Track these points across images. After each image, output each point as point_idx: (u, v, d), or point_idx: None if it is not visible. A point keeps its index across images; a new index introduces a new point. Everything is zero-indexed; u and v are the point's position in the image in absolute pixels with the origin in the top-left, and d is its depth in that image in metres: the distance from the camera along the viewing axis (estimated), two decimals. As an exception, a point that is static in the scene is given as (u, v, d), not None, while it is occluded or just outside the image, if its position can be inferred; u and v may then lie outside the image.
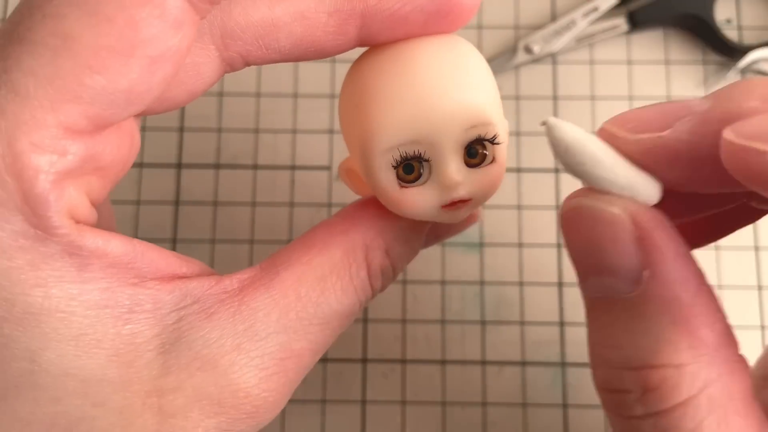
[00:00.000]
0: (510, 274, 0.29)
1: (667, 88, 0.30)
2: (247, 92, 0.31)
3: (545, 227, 0.29)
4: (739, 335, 0.29)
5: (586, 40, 0.30)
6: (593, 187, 0.15)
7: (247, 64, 0.18)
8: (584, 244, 0.15)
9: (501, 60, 0.30)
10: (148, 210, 0.30)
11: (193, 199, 0.30)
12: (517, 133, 0.30)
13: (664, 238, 0.14)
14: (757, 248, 0.29)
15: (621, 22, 0.30)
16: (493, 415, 0.28)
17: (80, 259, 0.15)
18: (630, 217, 0.14)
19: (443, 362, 0.28)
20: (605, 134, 0.15)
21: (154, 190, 0.30)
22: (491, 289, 0.29)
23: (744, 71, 0.30)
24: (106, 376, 0.15)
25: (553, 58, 0.31)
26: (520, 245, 0.29)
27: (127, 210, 0.29)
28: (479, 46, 0.31)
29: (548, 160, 0.30)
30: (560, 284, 0.29)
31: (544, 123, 0.14)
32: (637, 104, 0.30)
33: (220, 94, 0.31)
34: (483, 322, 0.28)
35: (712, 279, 0.28)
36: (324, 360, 0.28)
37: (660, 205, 0.15)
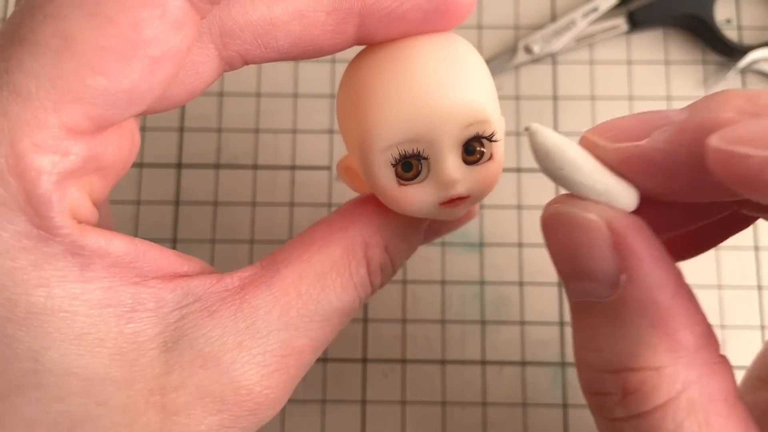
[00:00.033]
0: (510, 274, 0.29)
1: (667, 88, 0.30)
2: (247, 92, 0.31)
3: (545, 227, 0.29)
4: (739, 335, 0.29)
5: (586, 40, 0.30)
6: (572, 194, 0.15)
7: (246, 62, 0.18)
8: (563, 249, 0.15)
9: (501, 60, 0.30)
10: (148, 210, 0.30)
11: (193, 199, 0.30)
12: (516, 133, 0.30)
13: (639, 242, 0.14)
14: (757, 248, 0.29)
15: (621, 22, 0.30)
16: (493, 415, 0.28)
17: (83, 259, 0.15)
18: (606, 222, 0.14)
19: (443, 362, 0.28)
20: (586, 143, 0.15)
21: (154, 190, 0.30)
22: (491, 289, 0.29)
23: (744, 71, 0.30)
24: (110, 374, 0.15)
25: (553, 58, 0.31)
26: (520, 245, 0.29)
27: (127, 210, 0.29)
28: (479, 46, 0.31)
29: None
30: (560, 284, 0.29)
31: (527, 129, 0.15)
32: (637, 104, 0.30)
33: (220, 94, 0.31)
34: (483, 322, 0.28)
35: (712, 279, 0.28)
36: (324, 360, 0.28)
37: (650, 218, 0.15)
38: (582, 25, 0.30)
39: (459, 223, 0.21)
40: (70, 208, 0.15)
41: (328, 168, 0.30)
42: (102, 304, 0.15)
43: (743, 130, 0.13)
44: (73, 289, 0.15)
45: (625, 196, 0.15)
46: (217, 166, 0.30)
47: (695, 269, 0.28)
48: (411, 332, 0.28)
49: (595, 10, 0.30)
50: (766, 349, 0.20)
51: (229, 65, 0.18)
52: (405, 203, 0.17)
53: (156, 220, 0.29)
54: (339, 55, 0.31)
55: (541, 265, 0.29)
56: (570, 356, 0.28)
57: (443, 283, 0.29)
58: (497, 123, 0.17)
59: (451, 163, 0.17)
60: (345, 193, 0.30)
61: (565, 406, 0.28)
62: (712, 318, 0.28)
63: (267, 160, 0.30)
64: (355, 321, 0.28)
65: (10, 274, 0.14)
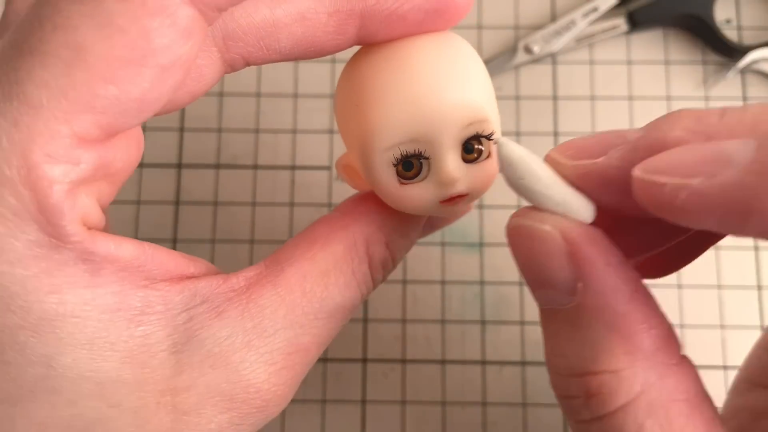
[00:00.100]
0: (510, 274, 0.29)
1: (666, 88, 0.30)
2: (248, 92, 0.31)
3: (545, 227, 0.29)
4: (739, 335, 0.29)
5: (585, 41, 0.30)
6: (533, 205, 0.16)
7: (248, 64, 0.18)
8: (525, 260, 0.16)
9: (501, 60, 0.30)
10: (149, 210, 0.30)
11: (193, 199, 0.30)
12: (516, 133, 0.30)
13: (593, 250, 0.15)
14: (756, 248, 0.29)
15: (621, 23, 0.30)
16: (493, 415, 0.28)
17: (93, 265, 0.15)
18: (561, 233, 0.15)
19: (443, 362, 0.28)
20: (550, 160, 0.16)
21: (155, 190, 0.30)
22: (491, 289, 0.29)
23: (744, 71, 0.30)
24: (121, 377, 0.15)
25: (552, 58, 0.31)
26: (520, 245, 0.29)
27: (127, 210, 0.29)
28: (479, 46, 0.31)
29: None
30: (560, 284, 0.29)
31: (495, 141, 0.16)
32: (637, 104, 0.30)
33: (220, 95, 0.31)
34: (483, 322, 0.28)
35: (712, 279, 0.28)
36: (324, 360, 0.28)
37: (624, 241, 0.16)
38: (582, 25, 0.30)
39: (455, 217, 0.22)
40: (80, 215, 0.15)
41: (328, 168, 0.30)
42: (112, 308, 0.15)
43: (659, 160, 0.13)
44: (84, 294, 0.15)
45: (582, 208, 0.15)
46: (217, 166, 0.30)
47: (695, 269, 0.28)
48: (411, 332, 0.28)
49: (595, 10, 0.30)
50: (753, 353, 0.20)
51: (231, 67, 0.18)
52: (406, 201, 0.18)
53: (156, 220, 0.29)
54: (339, 55, 0.31)
55: (541, 265, 0.29)
56: (570, 356, 0.28)
57: (443, 283, 0.29)
58: (495, 121, 0.17)
59: (452, 162, 0.17)
60: (345, 193, 0.30)
61: (565, 406, 0.28)
62: (712, 318, 0.28)
63: (267, 160, 0.30)
64: (355, 321, 0.28)
65: (22, 282, 0.14)
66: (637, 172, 0.14)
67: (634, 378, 0.14)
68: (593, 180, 0.15)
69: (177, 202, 0.30)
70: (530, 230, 0.15)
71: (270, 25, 0.17)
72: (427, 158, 0.17)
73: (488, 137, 0.17)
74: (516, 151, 0.15)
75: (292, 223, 0.29)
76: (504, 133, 0.25)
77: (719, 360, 0.28)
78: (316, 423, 0.28)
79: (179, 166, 0.30)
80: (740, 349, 0.27)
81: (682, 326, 0.28)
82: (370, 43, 0.18)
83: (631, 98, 0.30)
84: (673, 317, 0.28)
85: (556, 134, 0.30)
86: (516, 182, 0.15)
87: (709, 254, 0.29)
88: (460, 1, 0.17)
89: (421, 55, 0.17)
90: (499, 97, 0.18)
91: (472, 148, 0.17)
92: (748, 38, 0.31)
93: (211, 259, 0.29)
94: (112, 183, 0.17)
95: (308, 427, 0.28)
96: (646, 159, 0.14)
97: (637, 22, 0.30)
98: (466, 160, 0.17)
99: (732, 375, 0.23)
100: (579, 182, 0.15)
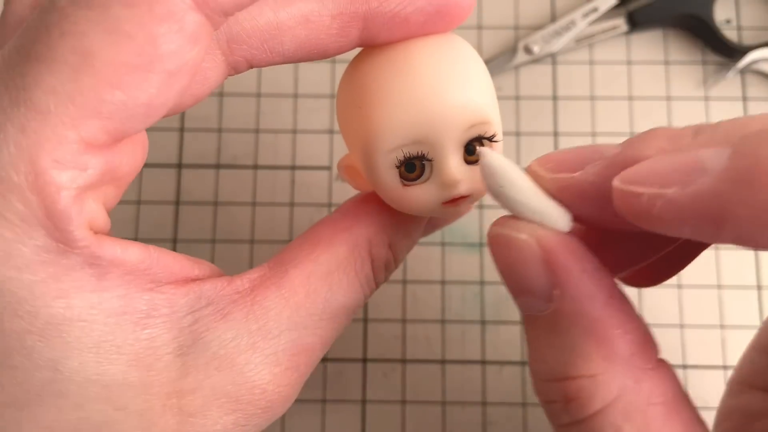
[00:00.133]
0: (510, 274, 0.29)
1: (666, 89, 0.30)
2: (248, 93, 0.31)
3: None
4: (739, 335, 0.29)
5: (585, 41, 0.30)
6: (511, 214, 0.16)
7: (251, 66, 0.18)
8: (504, 267, 0.16)
9: (501, 60, 0.30)
10: (149, 210, 0.30)
11: (193, 199, 0.30)
12: (516, 134, 0.30)
13: (568, 258, 0.15)
14: (756, 248, 0.29)
15: (620, 23, 0.30)
16: (493, 414, 0.28)
17: (99, 269, 0.15)
18: (537, 241, 0.15)
19: (443, 362, 0.28)
20: (530, 171, 0.16)
21: (155, 190, 0.30)
22: (491, 289, 0.29)
23: (743, 71, 0.30)
24: (127, 380, 0.16)
25: (552, 58, 0.31)
26: (520, 245, 0.29)
27: (127, 210, 0.29)
28: (479, 46, 0.31)
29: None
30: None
31: (478, 152, 0.16)
32: (637, 104, 0.30)
33: (221, 95, 0.31)
34: (483, 322, 0.28)
35: (712, 279, 0.28)
36: (324, 360, 0.28)
37: (614, 254, 0.17)
38: (582, 26, 0.30)
39: (455, 217, 0.22)
40: (87, 220, 0.15)
41: (328, 168, 0.30)
42: (118, 311, 0.15)
43: (636, 171, 0.14)
44: (91, 298, 0.15)
45: (558, 217, 0.16)
46: (218, 166, 0.30)
47: (695, 269, 0.29)
48: (411, 332, 0.28)
49: (594, 10, 0.30)
50: (746, 354, 0.20)
51: (235, 69, 0.18)
52: (408, 203, 0.18)
53: (156, 220, 0.29)
54: (339, 56, 0.30)
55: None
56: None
57: (443, 283, 0.29)
58: (497, 123, 0.18)
59: (454, 164, 0.17)
60: (345, 193, 0.30)
61: (565, 405, 0.28)
62: (712, 318, 0.28)
63: (267, 160, 0.30)
64: (355, 321, 0.28)
65: (30, 287, 0.14)
66: (617, 182, 0.14)
67: (611, 382, 0.15)
68: (571, 193, 0.16)
69: (177, 202, 0.30)
70: (508, 239, 0.16)
71: (274, 28, 0.17)
72: (429, 160, 0.17)
73: (490, 139, 0.17)
74: (497, 160, 0.16)
75: (292, 223, 0.29)
76: (504, 134, 0.25)
77: (719, 360, 0.28)
78: (316, 423, 0.28)
79: (179, 166, 0.30)
80: (740, 349, 0.27)
81: (682, 326, 0.28)
82: (372, 44, 0.18)
83: (630, 98, 0.30)
84: (673, 317, 0.28)
85: (556, 134, 0.30)
86: (496, 190, 0.16)
87: (709, 254, 0.29)
88: (462, 3, 0.18)
89: (423, 57, 0.17)
90: (499, 98, 0.18)
91: (474, 149, 0.17)
92: (747, 38, 0.31)
93: (211, 259, 0.29)
94: (118, 186, 0.17)
95: (308, 427, 0.28)
96: (623, 171, 0.14)
97: (636, 22, 0.30)
98: (468, 162, 0.17)
99: (732, 375, 0.23)
100: (558, 195, 0.16)
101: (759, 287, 0.28)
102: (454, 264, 0.29)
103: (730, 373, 0.28)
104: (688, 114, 0.30)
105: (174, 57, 0.15)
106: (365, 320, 0.29)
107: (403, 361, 0.28)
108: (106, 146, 0.15)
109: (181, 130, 0.30)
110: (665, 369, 0.15)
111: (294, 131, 0.30)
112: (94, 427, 0.15)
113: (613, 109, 0.30)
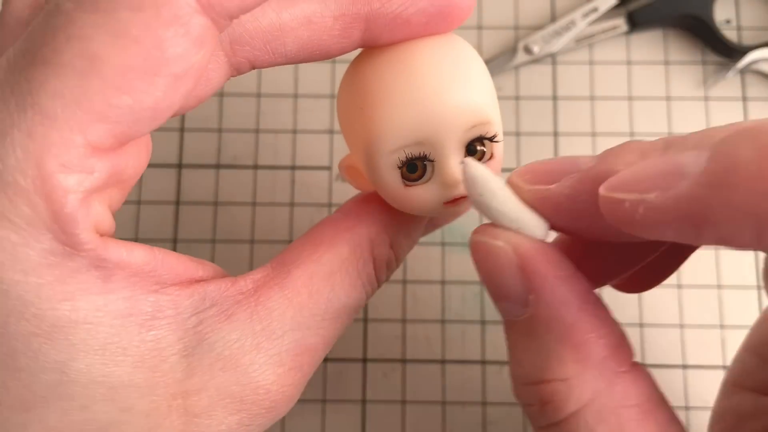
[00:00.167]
0: (510, 274, 0.29)
1: (666, 89, 0.30)
2: (248, 93, 0.31)
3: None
4: (739, 335, 0.29)
5: (585, 41, 0.30)
6: (491, 223, 0.17)
7: (254, 67, 0.18)
8: (483, 273, 0.17)
9: (501, 60, 0.30)
10: (149, 210, 0.30)
11: (193, 199, 0.30)
12: (516, 134, 0.30)
13: (543, 264, 0.15)
14: (756, 248, 0.29)
15: (620, 23, 0.30)
16: (493, 414, 0.28)
17: (105, 271, 0.15)
18: (513, 248, 0.16)
19: (443, 362, 0.28)
20: (511, 182, 0.17)
21: (155, 190, 0.30)
22: (491, 289, 0.29)
23: (743, 71, 0.30)
24: (133, 381, 0.16)
25: (552, 58, 0.31)
26: (520, 245, 0.29)
27: (127, 210, 0.29)
28: (479, 47, 0.31)
29: (548, 160, 0.30)
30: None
31: (462, 162, 0.17)
32: (637, 104, 0.30)
33: (221, 95, 0.31)
34: (483, 322, 0.28)
35: (712, 279, 0.28)
36: (324, 360, 0.28)
37: (601, 262, 0.17)
38: (582, 26, 0.30)
39: (455, 216, 0.22)
40: (93, 223, 0.15)
41: (329, 168, 0.30)
42: (123, 313, 0.16)
43: (617, 179, 0.14)
44: (97, 300, 0.15)
45: (535, 225, 0.16)
46: (218, 167, 0.30)
47: (695, 269, 0.29)
48: (411, 332, 0.28)
49: (594, 10, 0.30)
50: (737, 355, 0.20)
51: (237, 70, 0.18)
52: (410, 203, 0.18)
53: (156, 220, 0.29)
54: (340, 56, 0.31)
55: (541, 265, 0.29)
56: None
57: (443, 283, 0.29)
58: (498, 124, 0.18)
59: (455, 164, 0.17)
60: (345, 194, 0.30)
61: (564, 405, 0.28)
62: (712, 318, 0.28)
63: (267, 161, 0.30)
64: (355, 321, 0.28)
65: (36, 290, 0.15)
66: (602, 190, 0.14)
67: (584, 385, 0.15)
68: (547, 205, 0.16)
69: (177, 202, 0.30)
70: (486, 246, 0.16)
71: (276, 29, 0.17)
72: (431, 161, 0.17)
73: (491, 139, 0.17)
74: (478, 170, 0.16)
75: (292, 223, 0.29)
76: (504, 134, 0.25)
77: (719, 360, 0.28)
78: (316, 423, 0.28)
79: (179, 166, 0.30)
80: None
81: (682, 326, 0.28)
82: (373, 45, 0.18)
83: (630, 98, 0.30)
84: (673, 317, 0.28)
85: (555, 134, 0.30)
86: (476, 198, 0.16)
87: (709, 254, 0.29)
88: (462, 4, 0.18)
89: (424, 58, 0.17)
90: (499, 98, 0.18)
91: (475, 149, 0.17)
92: (747, 38, 0.31)
93: (212, 260, 0.29)
94: (123, 189, 0.17)
95: (308, 427, 0.28)
96: (609, 179, 0.14)
97: (636, 22, 0.30)
98: None
99: (732, 375, 0.23)
100: (535, 206, 0.16)
101: (759, 287, 0.28)
102: (454, 264, 0.29)
103: (729, 373, 0.28)
104: (688, 114, 0.30)
105: (180, 60, 0.15)
106: (365, 320, 0.29)
107: (403, 361, 0.28)
108: (112, 150, 0.15)
109: (182, 130, 0.30)
110: (640, 372, 0.16)
111: (294, 131, 0.30)
112: (100, 429, 0.15)
113: (613, 109, 0.30)
